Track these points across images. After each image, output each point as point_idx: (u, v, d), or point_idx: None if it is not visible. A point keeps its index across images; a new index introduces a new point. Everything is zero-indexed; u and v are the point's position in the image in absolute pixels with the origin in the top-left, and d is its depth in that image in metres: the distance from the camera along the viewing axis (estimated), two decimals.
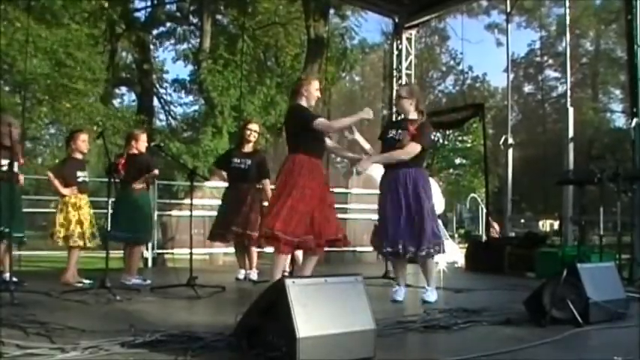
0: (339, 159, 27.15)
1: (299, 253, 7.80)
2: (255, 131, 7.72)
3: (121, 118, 17.17)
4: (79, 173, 6.93)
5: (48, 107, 15.77)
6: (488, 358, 3.46)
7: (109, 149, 6.74)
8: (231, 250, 8.12)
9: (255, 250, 7.56)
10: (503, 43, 26.69)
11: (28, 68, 13.66)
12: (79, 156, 7.02)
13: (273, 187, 7.46)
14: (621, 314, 4.81)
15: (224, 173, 7.85)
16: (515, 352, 3.62)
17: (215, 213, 7.83)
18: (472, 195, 24.86)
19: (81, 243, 6.80)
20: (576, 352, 3.85)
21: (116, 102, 18.43)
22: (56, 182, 6.76)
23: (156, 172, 7.35)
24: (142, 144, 7.27)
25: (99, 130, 12.90)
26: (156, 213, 9.41)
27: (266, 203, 7.56)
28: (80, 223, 6.82)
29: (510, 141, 11.58)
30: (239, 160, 7.53)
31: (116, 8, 17.20)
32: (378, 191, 6.12)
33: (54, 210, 6.98)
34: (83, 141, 7.03)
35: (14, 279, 5.93)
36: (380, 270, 8.01)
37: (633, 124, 8.92)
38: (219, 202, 7.94)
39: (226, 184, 7.82)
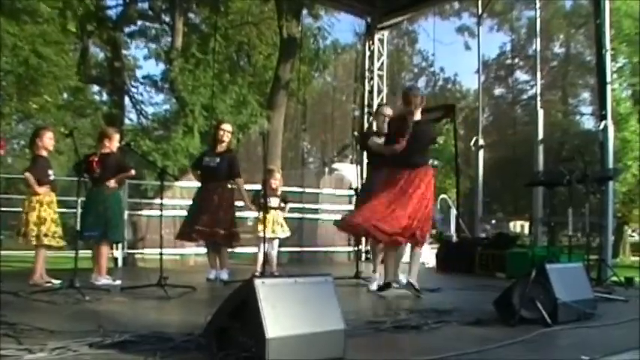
0: (311, 159, 27.21)
1: (273, 254, 7.82)
2: (228, 131, 7.72)
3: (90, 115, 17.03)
4: (49, 172, 6.87)
5: (17, 103, 15.50)
6: (457, 358, 3.48)
7: (78, 148, 6.66)
8: (203, 250, 8.08)
9: (226, 250, 7.55)
10: (472, 47, 26.76)
11: None
12: (44, 153, 6.93)
13: (247, 187, 7.48)
14: (589, 314, 4.87)
15: (199, 173, 7.83)
16: (484, 352, 3.65)
17: (186, 213, 7.81)
18: (442, 196, 24.94)
19: (54, 242, 6.75)
20: (545, 352, 3.89)
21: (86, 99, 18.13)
22: (33, 182, 6.67)
23: (132, 172, 7.35)
24: (115, 143, 7.25)
25: (66, 132, 12.71)
26: (126, 212, 9.34)
27: (239, 203, 7.56)
28: (53, 221, 6.76)
29: (481, 142, 11.68)
30: (209, 159, 7.56)
31: (87, 4, 16.96)
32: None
33: (21, 209, 6.88)
34: (50, 138, 6.95)
35: None
36: (351, 270, 8.02)
37: (602, 126, 9.05)
38: (190, 202, 7.92)
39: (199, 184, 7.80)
